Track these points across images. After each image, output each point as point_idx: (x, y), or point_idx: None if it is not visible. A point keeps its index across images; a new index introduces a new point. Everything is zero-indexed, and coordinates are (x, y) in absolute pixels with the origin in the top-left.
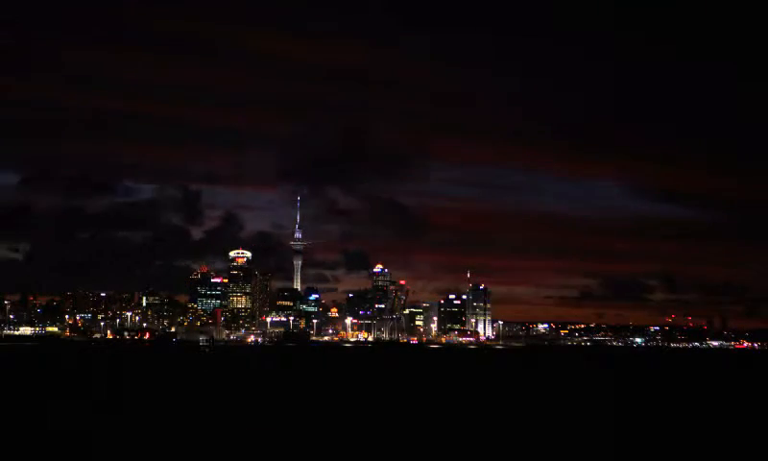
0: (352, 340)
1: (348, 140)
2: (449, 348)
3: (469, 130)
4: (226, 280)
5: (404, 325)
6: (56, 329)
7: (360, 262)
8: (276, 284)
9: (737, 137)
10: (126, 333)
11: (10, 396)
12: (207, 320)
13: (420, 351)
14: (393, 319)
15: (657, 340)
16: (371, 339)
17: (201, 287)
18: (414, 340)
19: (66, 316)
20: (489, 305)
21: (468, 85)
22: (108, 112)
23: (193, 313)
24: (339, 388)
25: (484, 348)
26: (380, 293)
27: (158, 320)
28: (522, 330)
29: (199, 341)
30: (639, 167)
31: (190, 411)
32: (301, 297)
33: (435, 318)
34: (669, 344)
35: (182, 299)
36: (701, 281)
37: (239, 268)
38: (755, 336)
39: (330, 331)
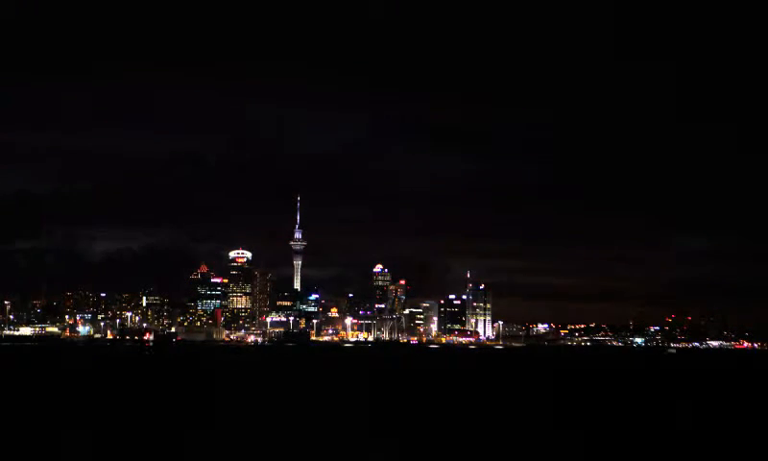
0: (352, 340)
1: None
2: (450, 348)
3: None
4: (226, 280)
5: (404, 325)
6: (56, 329)
7: None
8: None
9: None
10: (127, 335)
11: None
12: (207, 320)
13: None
14: (393, 319)
15: (657, 340)
16: (371, 339)
17: (201, 287)
18: (414, 340)
19: (66, 316)
20: (489, 305)
21: None
22: None
23: (193, 313)
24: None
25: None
26: (380, 293)
27: (158, 320)
28: (522, 330)
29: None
30: None
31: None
32: (302, 297)
33: (435, 318)
34: (669, 344)
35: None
36: None
37: (239, 268)
38: (755, 336)
39: (330, 331)
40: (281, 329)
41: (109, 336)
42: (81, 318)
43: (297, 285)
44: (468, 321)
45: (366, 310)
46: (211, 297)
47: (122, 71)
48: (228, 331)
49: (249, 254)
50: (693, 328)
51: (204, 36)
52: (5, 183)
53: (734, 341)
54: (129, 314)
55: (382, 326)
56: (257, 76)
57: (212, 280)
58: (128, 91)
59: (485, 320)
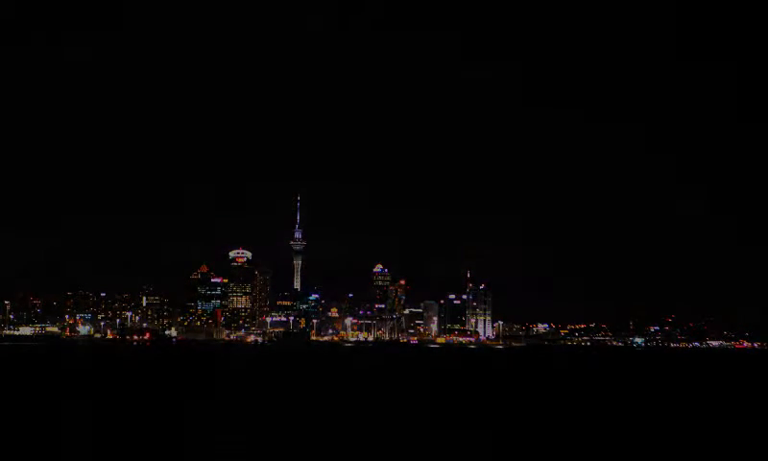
0: (352, 340)
1: None
2: (450, 348)
3: None
4: (226, 280)
5: (404, 325)
6: (56, 329)
7: None
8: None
9: None
10: (127, 335)
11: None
12: (207, 320)
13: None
14: (393, 319)
15: (657, 340)
16: (371, 339)
17: (201, 287)
18: (414, 340)
19: (66, 316)
20: (488, 305)
21: None
22: None
23: (193, 313)
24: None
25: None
26: (380, 293)
27: (158, 320)
28: (522, 330)
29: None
30: None
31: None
32: (301, 297)
33: (435, 318)
34: (669, 344)
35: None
36: None
37: (239, 268)
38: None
39: (330, 331)
40: (281, 329)
41: (109, 336)
42: (81, 318)
43: (297, 285)
44: (468, 321)
45: (366, 310)
46: (211, 297)
47: None
48: (228, 331)
49: (249, 254)
50: (693, 328)
51: None
52: None
53: (734, 341)
54: (129, 314)
55: (382, 326)
56: None
57: (212, 280)
58: None
59: (485, 320)
